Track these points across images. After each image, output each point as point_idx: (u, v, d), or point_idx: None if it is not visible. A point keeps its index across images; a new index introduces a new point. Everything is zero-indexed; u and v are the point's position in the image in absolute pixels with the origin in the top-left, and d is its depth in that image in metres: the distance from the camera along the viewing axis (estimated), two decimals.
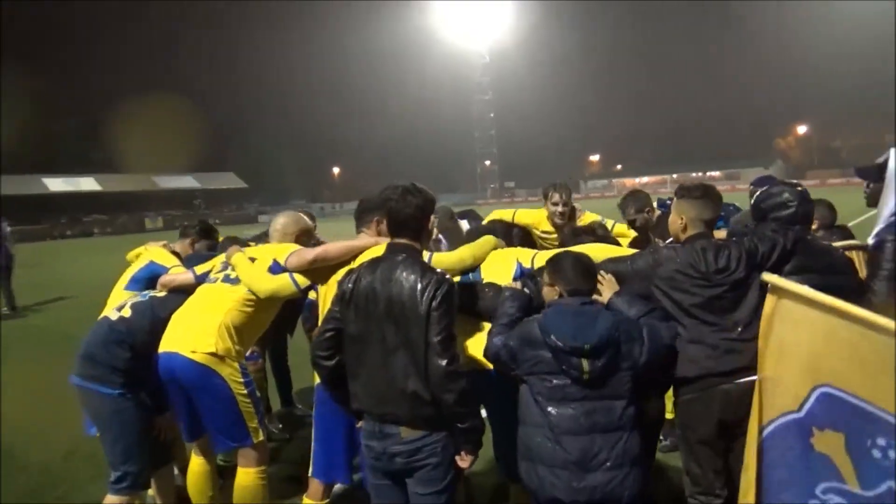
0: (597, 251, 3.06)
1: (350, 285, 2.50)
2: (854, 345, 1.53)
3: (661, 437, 4.00)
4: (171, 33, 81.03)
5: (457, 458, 2.41)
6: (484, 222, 4.42)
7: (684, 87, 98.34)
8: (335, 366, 2.54)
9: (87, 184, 62.88)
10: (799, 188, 2.96)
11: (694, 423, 2.75)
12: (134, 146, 68.53)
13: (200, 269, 3.61)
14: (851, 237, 3.78)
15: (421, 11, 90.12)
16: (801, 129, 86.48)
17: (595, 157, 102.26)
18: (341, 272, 2.97)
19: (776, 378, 1.68)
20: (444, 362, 2.28)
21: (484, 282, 3.09)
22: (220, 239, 4.35)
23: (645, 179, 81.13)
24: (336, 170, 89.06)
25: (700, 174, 77.72)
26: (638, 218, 4.55)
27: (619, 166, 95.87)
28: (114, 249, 20.14)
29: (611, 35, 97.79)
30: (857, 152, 75.09)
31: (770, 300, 1.68)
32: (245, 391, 3.22)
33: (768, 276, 1.69)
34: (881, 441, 1.48)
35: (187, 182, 68.55)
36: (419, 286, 2.34)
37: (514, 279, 3.02)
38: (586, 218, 4.68)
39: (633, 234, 4.53)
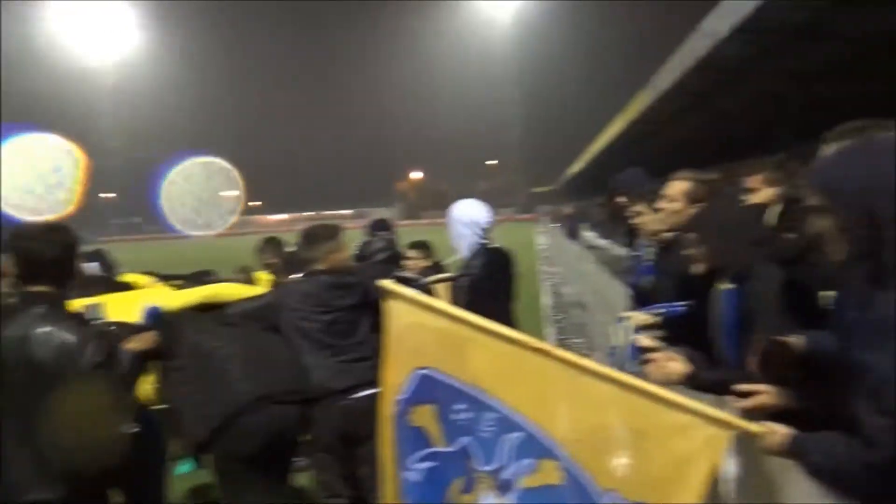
0: (224, 290, 3.37)
1: None
2: (444, 333, 1.96)
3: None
4: None
5: None
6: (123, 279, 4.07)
7: (319, 127, 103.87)
8: None
9: None
10: (390, 238, 4.05)
11: (317, 436, 3.18)
12: None
13: None
14: (443, 269, 4.69)
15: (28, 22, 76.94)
16: (416, 175, 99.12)
17: (232, 194, 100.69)
18: None
19: (390, 370, 2.02)
20: (113, 426, 2.09)
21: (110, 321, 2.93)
22: None
23: (283, 216, 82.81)
24: None
25: (333, 212, 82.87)
26: (272, 264, 4.83)
27: (258, 203, 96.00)
28: None
29: (250, 67, 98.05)
30: (462, 195, 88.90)
31: (384, 305, 2.03)
32: None
33: (382, 282, 2.03)
34: (460, 406, 1.92)
35: None
36: (74, 342, 2.05)
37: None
38: None
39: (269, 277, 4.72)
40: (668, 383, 2.12)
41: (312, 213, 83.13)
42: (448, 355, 1.96)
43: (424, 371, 1.96)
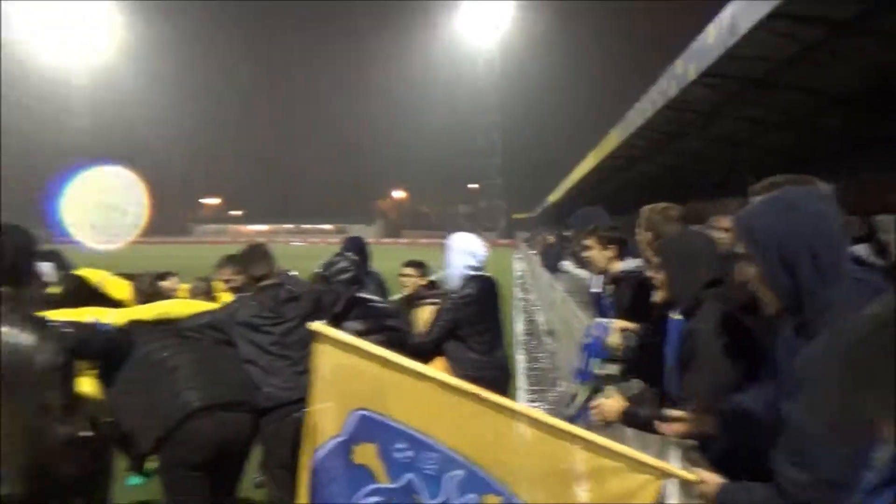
0: (180, 307, 3.42)
1: None
2: (378, 377, 2.04)
3: (255, 475, 4.25)
4: None
5: None
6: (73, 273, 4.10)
7: (303, 142, 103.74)
8: None
9: None
10: (354, 257, 4.06)
11: (274, 451, 3.12)
12: None
13: None
14: (439, 287, 4.72)
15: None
16: (397, 195, 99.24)
17: (213, 201, 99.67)
18: None
19: (322, 410, 2.07)
20: (68, 429, 2.08)
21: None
22: None
23: (263, 227, 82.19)
24: None
25: (313, 226, 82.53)
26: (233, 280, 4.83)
27: (240, 212, 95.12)
28: None
29: (236, 80, 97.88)
30: (443, 217, 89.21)
31: (315, 347, 2.09)
32: None
33: (313, 325, 2.10)
34: (400, 445, 2.01)
35: None
36: (31, 343, 2.06)
37: None
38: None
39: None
40: (606, 421, 2.25)
41: (292, 225, 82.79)
42: (381, 397, 2.03)
43: (362, 412, 2.04)
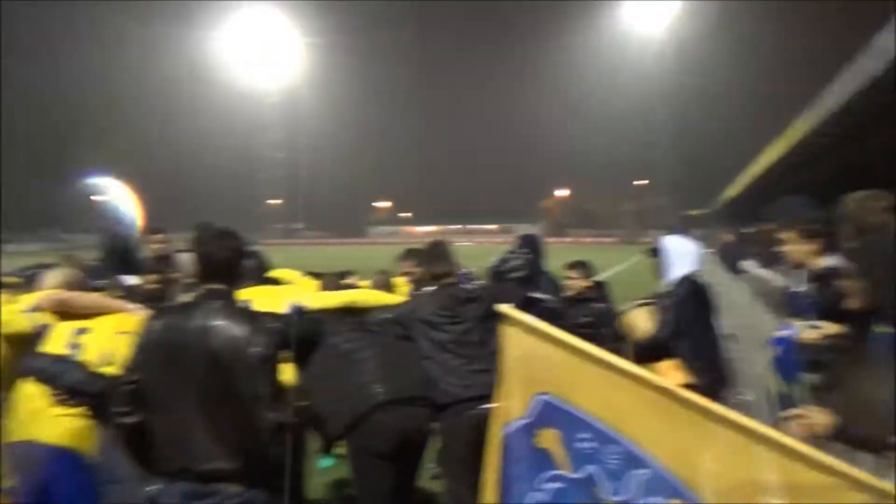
0: (365, 297, 3.60)
1: (156, 334, 2.33)
2: (565, 364, 2.02)
3: (432, 465, 4.42)
4: None
5: None
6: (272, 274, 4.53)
7: (468, 142, 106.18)
8: (137, 423, 2.31)
9: None
10: (528, 255, 4.02)
11: (450, 445, 3.27)
12: None
13: None
14: (604, 288, 4.70)
15: (199, 44, 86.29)
16: (561, 193, 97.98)
17: (385, 204, 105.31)
18: (111, 321, 3.11)
19: (509, 391, 2.10)
20: (275, 415, 2.24)
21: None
22: None
23: (431, 228, 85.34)
24: (97, 198, 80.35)
25: (479, 226, 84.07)
26: (413, 273, 5.03)
27: (409, 214, 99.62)
28: None
29: (403, 85, 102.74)
30: (607, 217, 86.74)
31: (503, 329, 2.12)
32: None
33: (502, 307, 2.14)
34: (584, 435, 1.99)
35: None
36: (245, 335, 2.25)
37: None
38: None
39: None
40: (812, 436, 2.02)
41: (459, 225, 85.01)
42: (567, 384, 2.02)
43: (545, 397, 2.04)
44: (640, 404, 1.90)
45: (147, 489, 2.55)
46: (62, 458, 2.85)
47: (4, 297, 3.31)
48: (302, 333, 3.13)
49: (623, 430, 1.92)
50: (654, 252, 4.18)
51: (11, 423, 2.95)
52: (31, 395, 2.95)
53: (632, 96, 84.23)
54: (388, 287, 4.63)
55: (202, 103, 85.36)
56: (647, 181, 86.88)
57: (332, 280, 4.43)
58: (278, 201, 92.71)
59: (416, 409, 3.16)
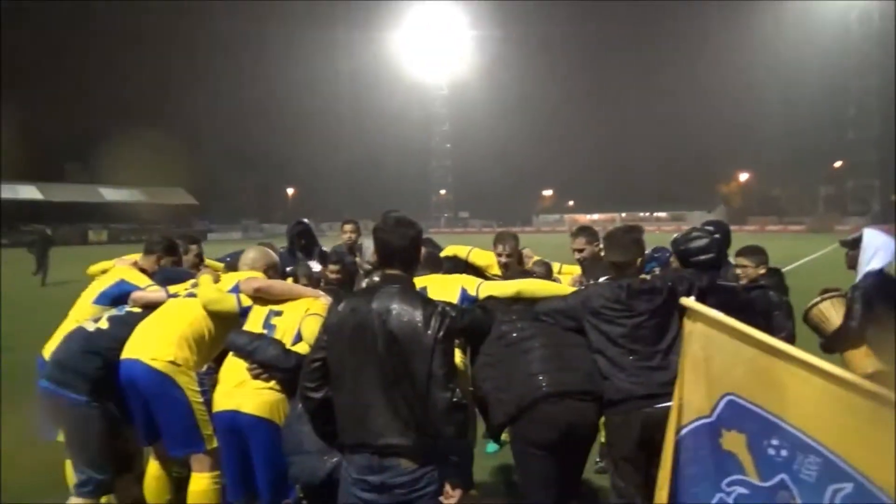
0: (535, 286, 3.52)
1: (341, 316, 2.47)
2: (754, 362, 1.86)
3: (598, 459, 4.35)
4: (119, 45, 78.88)
5: (444, 494, 2.36)
6: (441, 255, 4.71)
7: (635, 128, 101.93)
8: (323, 398, 2.50)
9: (28, 192, 60.51)
10: (716, 236, 3.53)
11: (618, 442, 3.11)
12: (80, 155, 66.94)
13: (173, 289, 3.79)
14: (782, 277, 4.34)
15: (379, 42, 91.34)
16: (743, 177, 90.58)
17: (548, 192, 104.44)
18: (301, 305, 3.38)
19: (691, 388, 1.99)
20: (447, 395, 2.32)
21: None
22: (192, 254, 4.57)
23: (595, 216, 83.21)
24: (290, 191, 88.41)
25: (647, 214, 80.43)
26: (586, 249, 4.88)
27: (571, 202, 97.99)
28: (57, 261, 19.59)
29: (567, 74, 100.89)
30: (794, 202, 78.85)
31: (687, 323, 2.01)
32: (201, 400, 3.41)
33: (686, 301, 2.02)
34: (775, 441, 1.83)
35: (134, 196, 66.78)
36: (420, 318, 2.37)
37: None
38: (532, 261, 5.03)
39: (577, 270, 4.88)
40: None
41: (625, 213, 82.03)
42: (756, 384, 1.87)
43: (731, 397, 1.92)
44: (847, 411, 1.69)
45: (328, 461, 2.79)
46: (261, 427, 3.17)
47: (210, 278, 3.72)
48: (473, 321, 3.25)
49: (822, 439, 1.72)
50: (854, 243, 3.75)
51: (217, 394, 3.34)
52: (236, 368, 3.31)
53: (816, 70, 75.56)
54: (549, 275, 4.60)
55: (380, 103, 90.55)
56: (846, 162, 77.59)
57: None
58: (444, 192, 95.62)
59: (583, 403, 3.09)
